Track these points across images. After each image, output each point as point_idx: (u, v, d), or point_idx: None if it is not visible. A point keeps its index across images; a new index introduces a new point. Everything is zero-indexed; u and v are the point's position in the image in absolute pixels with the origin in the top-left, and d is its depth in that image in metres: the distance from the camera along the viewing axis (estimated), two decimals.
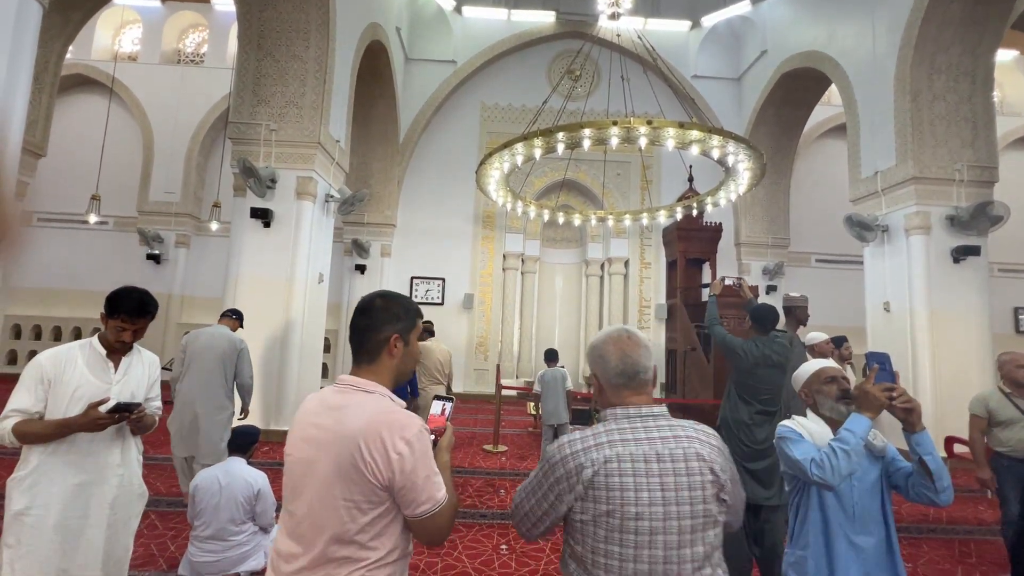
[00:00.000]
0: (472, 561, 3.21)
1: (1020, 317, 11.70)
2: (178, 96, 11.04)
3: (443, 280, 11.05)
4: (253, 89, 6.40)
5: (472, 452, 6.03)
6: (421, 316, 1.27)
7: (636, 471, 1.10)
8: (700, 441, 1.16)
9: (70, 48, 7.46)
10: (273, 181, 6.17)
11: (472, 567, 3.13)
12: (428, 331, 6.45)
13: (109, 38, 11.80)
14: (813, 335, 4.24)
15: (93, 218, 9.09)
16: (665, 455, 1.12)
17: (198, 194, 11.15)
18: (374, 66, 9.07)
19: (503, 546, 3.45)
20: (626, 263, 11.27)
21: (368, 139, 10.46)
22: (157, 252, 10.56)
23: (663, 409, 1.20)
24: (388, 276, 10.83)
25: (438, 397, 1.36)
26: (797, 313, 3.82)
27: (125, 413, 1.81)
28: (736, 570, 2.72)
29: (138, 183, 10.95)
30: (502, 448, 6.17)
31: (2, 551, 1.76)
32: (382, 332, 1.21)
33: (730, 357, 3.03)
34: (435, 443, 1.22)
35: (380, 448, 1.06)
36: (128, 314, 1.88)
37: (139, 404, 1.88)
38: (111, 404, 1.80)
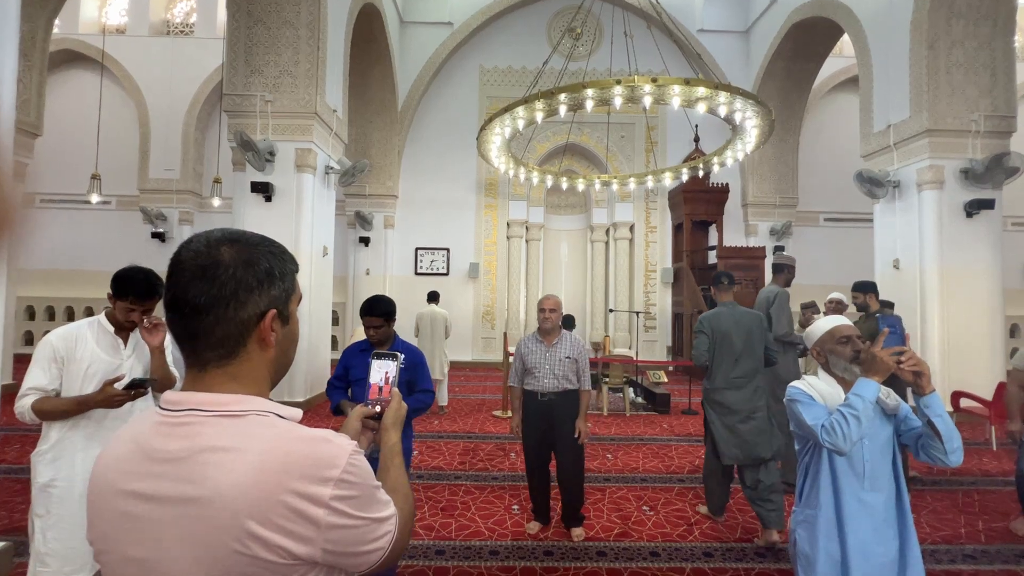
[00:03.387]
0: (485, 521, 3.31)
1: None
2: (170, 69, 10.80)
3: (448, 250, 11.02)
4: (245, 59, 6.24)
5: (482, 418, 6.15)
6: (298, 267, 0.76)
7: (530, 349, 3.16)
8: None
9: (56, 22, 7.26)
10: (272, 154, 6.09)
11: (485, 527, 3.23)
12: (433, 298, 6.48)
13: (95, 10, 11.47)
14: (834, 295, 4.55)
15: (95, 198, 9.05)
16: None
17: (197, 170, 11.06)
18: (368, 31, 8.79)
19: (515, 506, 3.55)
20: (631, 227, 11.16)
21: (366, 108, 10.25)
22: (161, 230, 10.58)
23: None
24: (392, 247, 10.82)
25: (379, 355, 0.95)
26: (787, 272, 4.15)
27: (140, 389, 1.84)
28: (716, 499, 3.35)
29: (137, 161, 10.87)
30: (510, 413, 6.28)
31: (34, 521, 1.83)
32: (245, 307, 0.67)
33: (705, 339, 3.28)
34: (379, 417, 0.89)
35: (293, 514, 0.59)
36: (137, 296, 1.89)
37: (155, 380, 1.92)
38: (126, 380, 1.83)
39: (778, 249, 10.48)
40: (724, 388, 3.19)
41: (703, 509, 3.47)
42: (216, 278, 0.65)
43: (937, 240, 6.16)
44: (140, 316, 1.92)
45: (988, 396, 5.31)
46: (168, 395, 0.67)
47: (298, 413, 0.70)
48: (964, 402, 5.43)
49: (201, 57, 10.74)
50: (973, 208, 6.11)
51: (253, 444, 0.61)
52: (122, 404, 1.84)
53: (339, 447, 0.64)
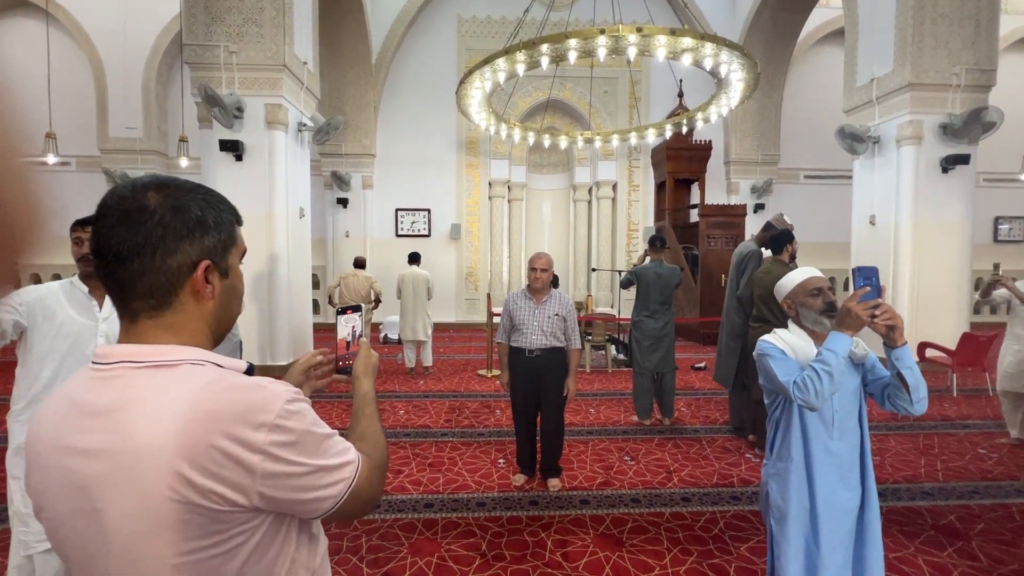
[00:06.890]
0: (472, 475, 3.40)
1: (1000, 227, 11.89)
2: (124, 17, 10.02)
3: (428, 211, 10.83)
4: (205, 5, 5.81)
5: (467, 377, 6.23)
6: (240, 219, 0.73)
7: (518, 306, 3.19)
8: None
9: None
10: (240, 110, 5.79)
11: (472, 480, 3.32)
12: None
13: None
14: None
15: (52, 158, 8.57)
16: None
17: (162, 128, 10.50)
18: None
19: (501, 460, 3.65)
20: (614, 186, 11.08)
21: (338, 61, 9.76)
22: None
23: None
24: (372, 208, 10.58)
25: (343, 309, 0.96)
26: (772, 233, 3.83)
27: None
28: (644, 407, 4.48)
29: (95, 118, 10.24)
30: (495, 372, 6.37)
31: (10, 484, 1.80)
32: (174, 256, 0.64)
33: (634, 283, 4.55)
34: (348, 370, 0.92)
35: (225, 459, 0.58)
36: (81, 223, 1.83)
37: None
38: None
39: (759, 207, 10.56)
40: (645, 318, 4.47)
41: (635, 417, 4.56)
42: (141, 224, 0.62)
43: (912, 196, 6.25)
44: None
45: (952, 346, 5.56)
46: (100, 349, 0.65)
47: (242, 365, 0.68)
48: (930, 352, 5.67)
49: (156, 4, 9.98)
50: (949, 164, 6.18)
51: (184, 392, 0.60)
52: None
53: (274, 393, 0.63)
